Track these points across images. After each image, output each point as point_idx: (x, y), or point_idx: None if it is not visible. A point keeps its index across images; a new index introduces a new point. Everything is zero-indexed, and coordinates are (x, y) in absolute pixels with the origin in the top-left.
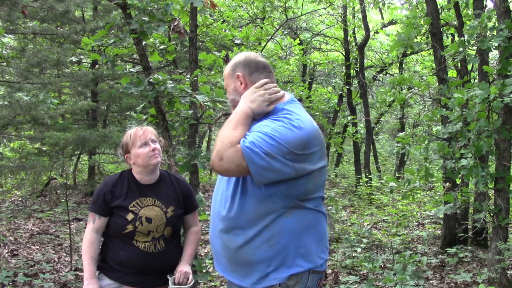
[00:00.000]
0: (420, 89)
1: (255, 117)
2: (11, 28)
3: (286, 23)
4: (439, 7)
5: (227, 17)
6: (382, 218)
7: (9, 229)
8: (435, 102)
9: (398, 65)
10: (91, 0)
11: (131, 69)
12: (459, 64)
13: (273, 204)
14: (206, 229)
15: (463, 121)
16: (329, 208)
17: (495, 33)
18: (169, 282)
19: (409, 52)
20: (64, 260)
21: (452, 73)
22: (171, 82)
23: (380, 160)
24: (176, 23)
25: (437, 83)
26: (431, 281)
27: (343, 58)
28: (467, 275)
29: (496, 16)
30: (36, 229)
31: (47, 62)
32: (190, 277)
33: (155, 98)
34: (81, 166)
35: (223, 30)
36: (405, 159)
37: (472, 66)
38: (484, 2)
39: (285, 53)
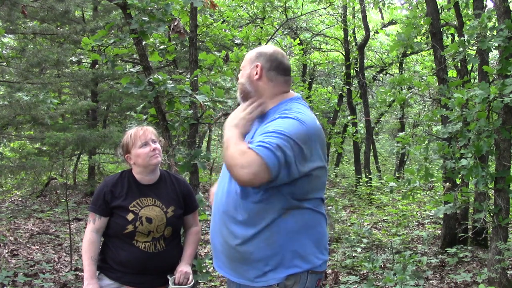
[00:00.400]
0: (420, 89)
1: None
2: (11, 28)
3: (286, 23)
4: (439, 7)
5: (227, 17)
6: (382, 218)
7: (9, 229)
8: (435, 102)
9: (398, 65)
10: (91, 0)
11: (131, 69)
12: (459, 64)
13: (273, 204)
14: (206, 229)
15: (463, 121)
16: (329, 208)
17: (495, 33)
18: (169, 282)
19: (409, 52)
20: (64, 260)
21: (452, 73)
22: (171, 82)
23: (380, 160)
24: (176, 23)
25: (437, 83)
26: (431, 281)
27: (343, 58)
28: (467, 275)
29: (496, 16)
30: (36, 229)
31: (47, 62)
32: (190, 277)
33: (155, 98)
34: (81, 166)
35: (223, 30)
36: (405, 159)
37: (472, 66)
38: (484, 2)
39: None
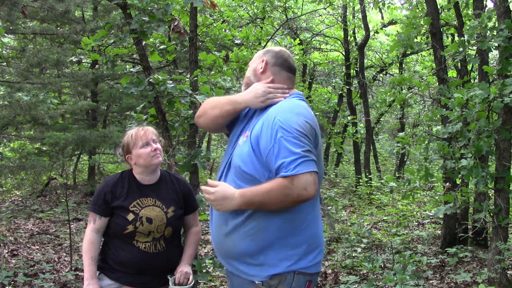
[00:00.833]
0: (420, 89)
1: (251, 106)
2: (11, 28)
3: (286, 23)
4: (439, 7)
5: (227, 17)
6: (382, 218)
7: (9, 229)
8: (435, 102)
9: (398, 65)
10: (91, 0)
11: (131, 69)
12: (459, 64)
13: None
14: (206, 229)
15: (463, 121)
16: (329, 208)
17: (495, 33)
18: (170, 283)
19: (409, 52)
20: (64, 260)
21: (452, 73)
22: (171, 82)
23: (380, 160)
24: (176, 23)
25: (437, 83)
26: (431, 281)
27: (343, 58)
28: (467, 275)
29: (496, 16)
30: (36, 229)
31: (47, 62)
32: (191, 277)
33: (155, 98)
34: (81, 166)
35: (223, 30)
36: (405, 159)
37: (472, 66)
38: (484, 2)
39: None
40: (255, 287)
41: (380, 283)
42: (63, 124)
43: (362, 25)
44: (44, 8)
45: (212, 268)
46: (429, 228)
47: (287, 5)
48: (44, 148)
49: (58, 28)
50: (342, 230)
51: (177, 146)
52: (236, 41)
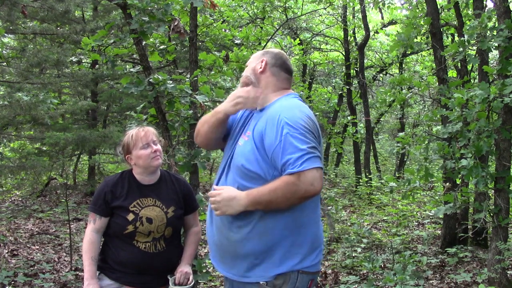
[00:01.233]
0: (420, 89)
1: (227, 112)
2: (11, 28)
3: (286, 23)
4: (439, 7)
5: (227, 17)
6: (382, 218)
7: (9, 229)
8: (435, 102)
9: (398, 65)
10: (91, 0)
11: (131, 69)
12: (459, 64)
13: None
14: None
15: (463, 121)
16: (329, 208)
17: (495, 33)
18: (170, 283)
19: (409, 52)
20: (64, 260)
21: (452, 73)
22: (171, 82)
23: (380, 160)
24: (176, 23)
25: (437, 83)
26: (431, 281)
27: (343, 58)
28: (467, 275)
29: (496, 16)
30: (36, 229)
31: (47, 62)
32: (191, 277)
33: (155, 98)
34: (81, 166)
35: (223, 30)
36: (405, 159)
37: (472, 66)
38: (484, 2)
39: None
40: None
41: (380, 283)
42: (63, 124)
43: (362, 25)
44: (44, 8)
45: (212, 268)
46: (429, 228)
47: (287, 5)
48: (44, 148)
49: (58, 28)
50: (342, 230)
51: (177, 146)
52: (236, 41)
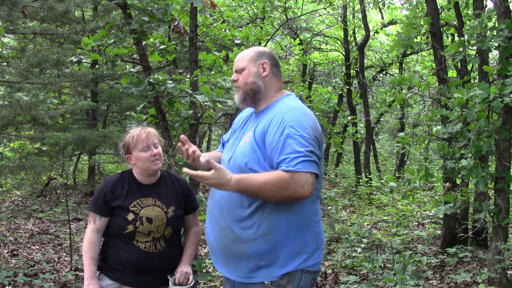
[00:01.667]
0: (420, 89)
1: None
2: (11, 28)
3: (286, 23)
4: (439, 7)
5: (227, 17)
6: (382, 218)
7: (9, 229)
8: (435, 102)
9: (398, 65)
10: (91, 0)
11: (131, 69)
12: (459, 64)
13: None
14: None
15: (463, 121)
16: (329, 208)
17: (495, 33)
18: (170, 283)
19: (409, 52)
20: (64, 260)
21: (452, 73)
22: (171, 82)
23: (380, 160)
24: (176, 23)
25: (437, 83)
26: (431, 281)
27: (343, 58)
28: (467, 275)
29: (496, 16)
30: (36, 229)
31: (47, 62)
32: (191, 277)
33: (155, 98)
34: (81, 166)
35: (223, 30)
36: (405, 159)
37: (472, 66)
38: (484, 2)
39: (285, 53)
40: None
41: (380, 283)
42: (63, 124)
43: (362, 25)
44: (44, 8)
45: (212, 268)
46: (429, 228)
47: (287, 5)
48: (44, 148)
49: (58, 28)
50: (342, 230)
51: (177, 146)
52: (236, 41)
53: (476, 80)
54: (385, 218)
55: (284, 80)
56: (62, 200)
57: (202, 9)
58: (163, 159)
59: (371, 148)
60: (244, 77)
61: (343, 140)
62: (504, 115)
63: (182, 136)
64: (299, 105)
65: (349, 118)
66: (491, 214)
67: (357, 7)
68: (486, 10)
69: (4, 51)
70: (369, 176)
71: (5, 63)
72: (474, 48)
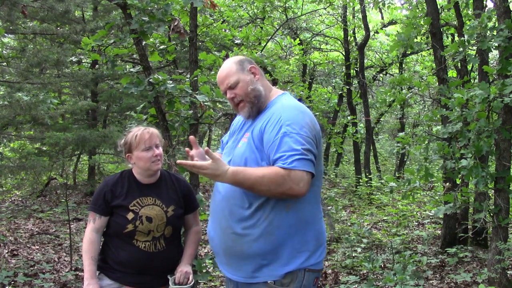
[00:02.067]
0: (420, 89)
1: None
2: (11, 28)
3: (286, 23)
4: (439, 7)
5: (227, 17)
6: (382, 218)
7: (9, 229)
8: (435, 102)
9: (398, 65)
10: (91, 0)
11: (131, 69)
12: (459, 64)
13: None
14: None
15: (463, 121)
16: (329, 208)
17: (495, 33)
18: (170, 282)
19: (409, 52)
20: (64, 260)
21: (452, 73)
22: (171, 82)
23: (380, 160)
24: (176, 23)
25: (437, 83)
26: (431, 281)
27: (343, 58)
28: (467, 275)
29: (496, 16)
30: (36, 229)
31: (47, 62)
32: (191, 277)
33: (155, 98)
34: (81, 166)
35: (223, 30)
36: (405, 159)
37: (472, 66)
38: (484, 2)
39: (285, 53)
40: (267, 287)
41: (380, 283)
42: (63, 124)
43: (362, 25)
44: (44, 8)
45: (212, 268)
46: (429, 228)
47: (287, 5)
48: (44, 148)
49: (58, 28)
50: (342, 230)
51: (177, 146)
52: (236, 41)
53: (476, 80)
54: (385, 218)
55: (284, 80)
56: (62, 200)
57: (202, 9)
58: (163, 159)
59: (371, 148)
60: (242, 89)
61: (343, 140)
62: (504, 115)
63: (191, 138)
64: (296, 103)
65: (349, 118)
66: (491, 214)
67: (357, 7)
68: (486, 10)
69: (4, 51)
70: (369, 176)
71: (5, 63)
72: (474, 48)
